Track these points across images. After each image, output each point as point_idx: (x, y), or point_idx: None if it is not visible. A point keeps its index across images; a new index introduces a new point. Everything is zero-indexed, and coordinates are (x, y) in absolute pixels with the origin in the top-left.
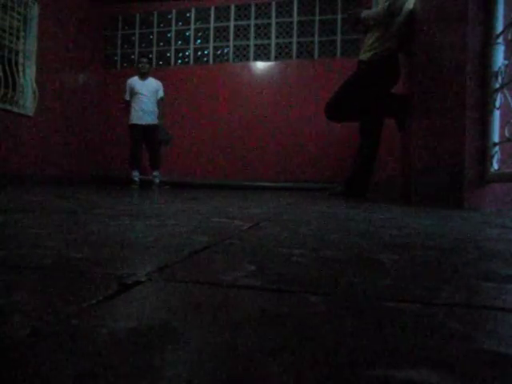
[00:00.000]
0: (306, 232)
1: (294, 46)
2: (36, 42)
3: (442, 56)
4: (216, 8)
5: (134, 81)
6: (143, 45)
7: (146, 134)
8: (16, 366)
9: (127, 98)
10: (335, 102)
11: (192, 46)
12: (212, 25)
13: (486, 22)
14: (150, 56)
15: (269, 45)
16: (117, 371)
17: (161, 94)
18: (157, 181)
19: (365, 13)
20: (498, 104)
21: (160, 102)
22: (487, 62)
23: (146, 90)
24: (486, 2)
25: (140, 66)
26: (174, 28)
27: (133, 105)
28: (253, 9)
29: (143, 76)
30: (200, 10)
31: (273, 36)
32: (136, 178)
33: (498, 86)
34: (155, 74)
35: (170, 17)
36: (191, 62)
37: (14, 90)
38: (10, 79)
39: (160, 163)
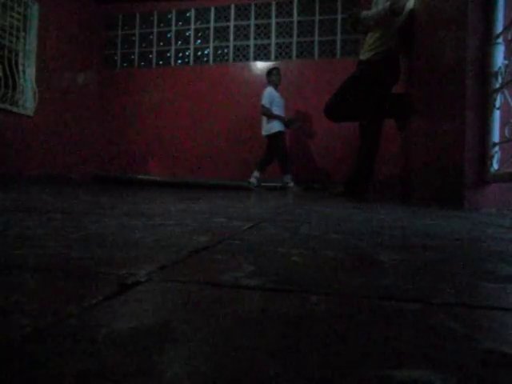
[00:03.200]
0: (306, 232)
1: (294, 46)
2: (36, 41)
3: (442, 56)
4: (216, 8)
5: (274, 93)
6: (143, 45)
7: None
8: (16, 365)
9: (268, 105)
10: (335, 101)
11: (192, 46)
12: (212, 25)
13: (486, 22)
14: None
15: (269, 45)
16: (117, 371)
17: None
18: (290, 185)
19: (364, 13)
20: (498, 104)
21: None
22: (487, 62)
23: (281, 101)
24: (486, 2)
25: (278, 80)
26: (174, 28)
27: (276, 114)
28: (253, 9)
29: (276, 88)
30: (200, 9)
31: (273, 36)
32: (289, 183)
33: (498, 86)
34: (155, 74)
35: (169, 17)
36: (191, 62)
37: (14, 89)
38: (9, 79)
39: (284, 169)
